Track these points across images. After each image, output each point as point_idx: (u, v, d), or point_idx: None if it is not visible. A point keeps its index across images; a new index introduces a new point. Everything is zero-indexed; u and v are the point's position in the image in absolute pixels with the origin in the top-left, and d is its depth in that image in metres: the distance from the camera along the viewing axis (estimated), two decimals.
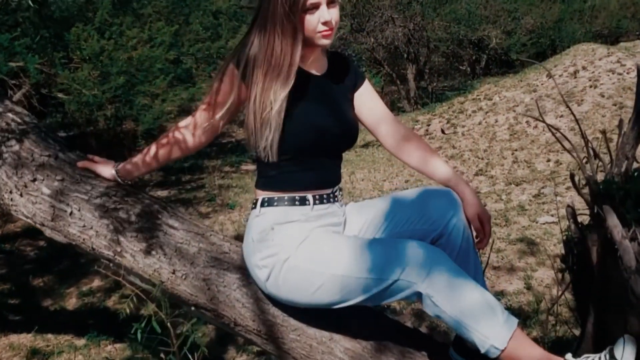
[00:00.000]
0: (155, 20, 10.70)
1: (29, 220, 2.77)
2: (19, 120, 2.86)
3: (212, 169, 12.00)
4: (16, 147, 2.76)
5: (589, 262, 2.60)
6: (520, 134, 11.04)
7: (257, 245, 2.44)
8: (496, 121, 11.95)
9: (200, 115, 2.54)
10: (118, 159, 8.42)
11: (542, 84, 12.89)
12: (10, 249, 8.33)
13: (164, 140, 2.63)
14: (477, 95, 13.96)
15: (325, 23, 2.33)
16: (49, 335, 6.07)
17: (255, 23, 2.42)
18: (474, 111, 12.96)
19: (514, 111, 12.03)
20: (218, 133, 2.64)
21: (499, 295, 5.96)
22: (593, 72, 12.52)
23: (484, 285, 2.55)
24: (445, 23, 17.41)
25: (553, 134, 2.91)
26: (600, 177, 2.61)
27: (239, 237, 7.22)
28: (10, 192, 2.73)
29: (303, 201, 2.47)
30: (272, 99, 2.33)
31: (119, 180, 2.78)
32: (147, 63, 9.38)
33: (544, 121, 2.88)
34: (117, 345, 5.76)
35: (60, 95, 9.33)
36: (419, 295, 2.24)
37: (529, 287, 6.10)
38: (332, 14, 2.34)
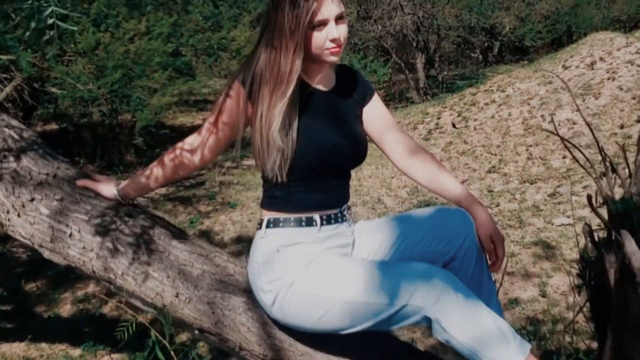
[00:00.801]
0: (153, 11, 10.69)
1: (26, 242, 2.78)
2: (16, 136, 2.87)
3: (213, 164, 11.99)
4: (13, 165, 2.77)
5: (606, 282, 2.62)
6: (535, 128, 11.02)
7: (262, 268, 2.46)
8: (510, 115, 11.93)
9: (205, 134, 2.55)
10: (114, 153, 8.41)
11: (557, 76, 12.87)
12: (1, 251, 8.34)
13: (167, 160, 2.64)
14: (490, 87, 13.93)
15: (333, 40, 2.35)
16: (43, 345, 6.08)
17: (261, 39, 2.44)
18: (486, 104, 12.94)
19: (529, 104, 12.01)
20: (222, 151, 2.66)
21: (513, 303, 5.98)
22: (611, 63, 12.47)
23: (498, 309, 2.57)
24: (456, 10, 17.37)
25: (571, 154, 2.93)
26: (617, 190, 2.64)
27: (241, 239, 7.25)
28: (7, 212, 2.74)
29: (310, 222, 2.49)
30: (278, 118, 2.36)
31: (120, 199, 2.80)
32: (145, 56, 9.37)
33: (559, 135, 2.91)
34: (115, 356, 5.78)
35: (53, 89, 9.33)
36: (428, 321, 2.25)
37: (544, 295, 6.11)
38: (340, 31, 2.36)
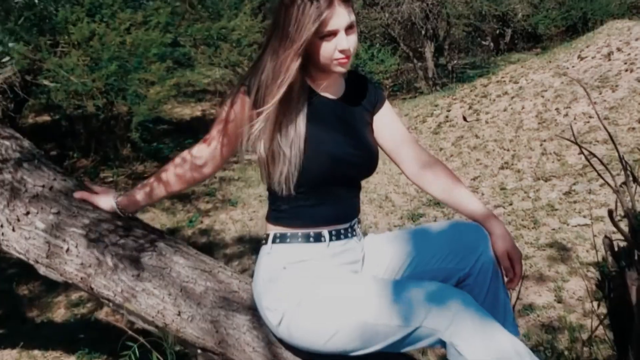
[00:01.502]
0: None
1: (21, 257, 2.78)
2: (12, 146, 2.87)
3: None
4: (8, 177, 2.77)
5: (627, 296, 2.62)
6: (550, 122, 10.97)
7: (268, 286, 2.45)
8: (523, 107, 11.88)
9: (208, 145, 2.55)
10: (109, 147, 8.36)
11: (573, 67, 12.81)
12: None
13: (168, 172, 2.64)
14: (502, 77, 13.88)
15: (342, 51, 2.35)
16: (36, 352, 6.06)
17: (267, 47, 2.43)
18: (498, 95, 12.90)
19: (542, 97, 11.95)
20: (226, 161, 2.65)
21: (528, 309, 5.96)
22: (629, 54, 12.40)
23: (514, 328, 2.56)
24: None
25: (590, 164, 2.93)
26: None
27: (242, 239, 7.22)
28: (2, 226, 2.74)
29: (318, 238, 2.48)
30: (283, 128, 2.36)
31: (119, 212, 2.79)
32: (142, 48, 9.32)
33: (577, 144, 2.90)
34: None
35: (46, 82, 9.29)
36: (442, 343, 2.24)
37: (560, 300, 6.09)
38: (350, 41, 2.35)
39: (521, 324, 5.66)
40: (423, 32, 17.86)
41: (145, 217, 3.12)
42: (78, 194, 2.81)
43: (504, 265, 2.53)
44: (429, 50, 17.86)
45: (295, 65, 2.34)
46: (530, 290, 6.35)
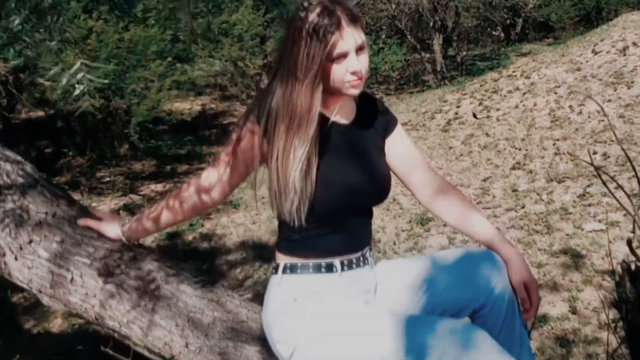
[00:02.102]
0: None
1: (24, 286, 2.79)
2: (14, 171, 2.88)
3: (213, 157, 11.88)
4: (10, 204, 2.78)
5: None
6: (563, 120, 10.96)
7: (279, 318, 2.45)
8: (535, 104, 11.86)
9: (216, 173, 2.54)
10: (105, 145, 8.32)
11: (587, 61, 12.78)
12: None
13: (176, 200, 2.63)
14: (513, 72, 13.85)
15: (354, 73, 2.35)
16: None
17: (277, 71, 2.43)
18: (509, 91, 12.87)
19: (555, 93, 11.93)
20: (234, 189, 2.66)
21: (542, 320, 5.96)
22: None
23: (530, 358, 2.58)
24: None
25: (604, 183, 2.94)
26: None
27: (245, 244, 7.21)
28: (4, 255, 2.74)
29: (330, 268, 2.49)
30: (294, 158, 2.37)
31: (125, 240, 2.80)
32: (140, 45, 9.31)
33: (593, 165, 2.92)
34: None
35: (41, 80, 9.29)
36: None
37: (574, 311, 6.08)
38: (361, 63, 2.34)
39: (535, 336, 5.67)
40: (431, 24, 17.81)
41: None
42: (82, 221, 2.81)
43: (520, 295, 2.53)
44: (437, 42, 17.83)
45: (318, 95, 2.35)
46: (544, 300, 6.33)
